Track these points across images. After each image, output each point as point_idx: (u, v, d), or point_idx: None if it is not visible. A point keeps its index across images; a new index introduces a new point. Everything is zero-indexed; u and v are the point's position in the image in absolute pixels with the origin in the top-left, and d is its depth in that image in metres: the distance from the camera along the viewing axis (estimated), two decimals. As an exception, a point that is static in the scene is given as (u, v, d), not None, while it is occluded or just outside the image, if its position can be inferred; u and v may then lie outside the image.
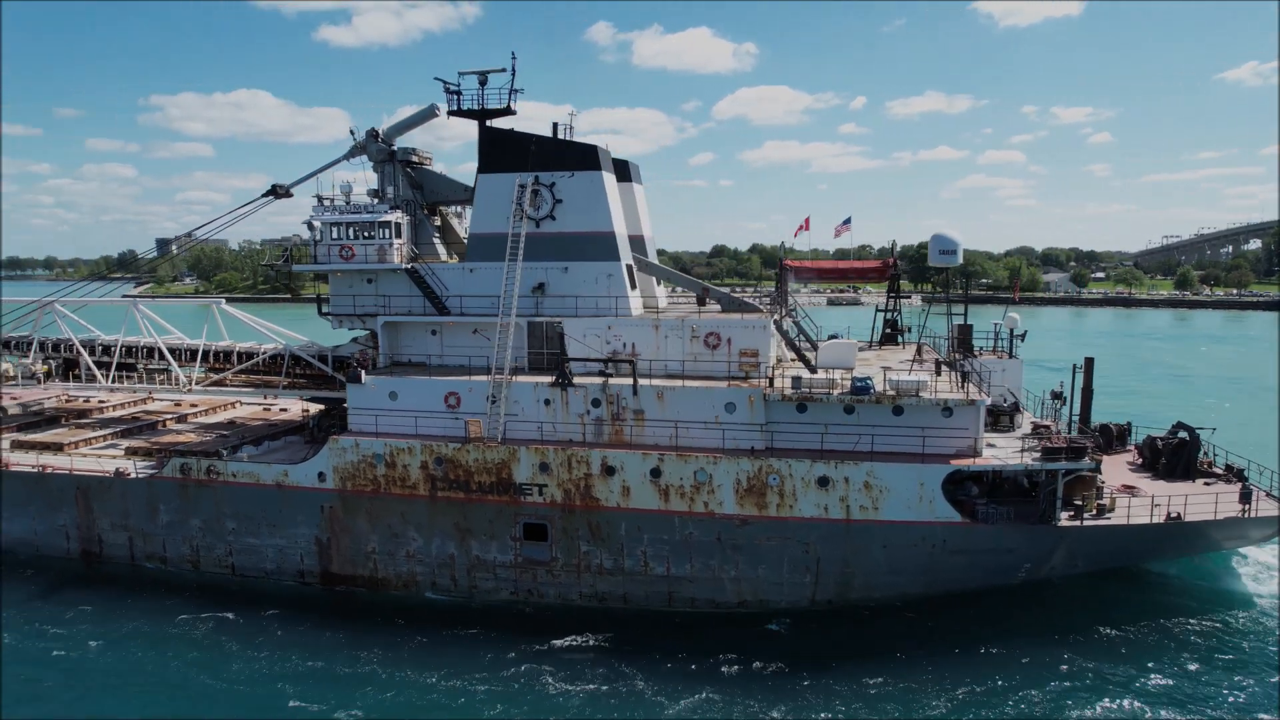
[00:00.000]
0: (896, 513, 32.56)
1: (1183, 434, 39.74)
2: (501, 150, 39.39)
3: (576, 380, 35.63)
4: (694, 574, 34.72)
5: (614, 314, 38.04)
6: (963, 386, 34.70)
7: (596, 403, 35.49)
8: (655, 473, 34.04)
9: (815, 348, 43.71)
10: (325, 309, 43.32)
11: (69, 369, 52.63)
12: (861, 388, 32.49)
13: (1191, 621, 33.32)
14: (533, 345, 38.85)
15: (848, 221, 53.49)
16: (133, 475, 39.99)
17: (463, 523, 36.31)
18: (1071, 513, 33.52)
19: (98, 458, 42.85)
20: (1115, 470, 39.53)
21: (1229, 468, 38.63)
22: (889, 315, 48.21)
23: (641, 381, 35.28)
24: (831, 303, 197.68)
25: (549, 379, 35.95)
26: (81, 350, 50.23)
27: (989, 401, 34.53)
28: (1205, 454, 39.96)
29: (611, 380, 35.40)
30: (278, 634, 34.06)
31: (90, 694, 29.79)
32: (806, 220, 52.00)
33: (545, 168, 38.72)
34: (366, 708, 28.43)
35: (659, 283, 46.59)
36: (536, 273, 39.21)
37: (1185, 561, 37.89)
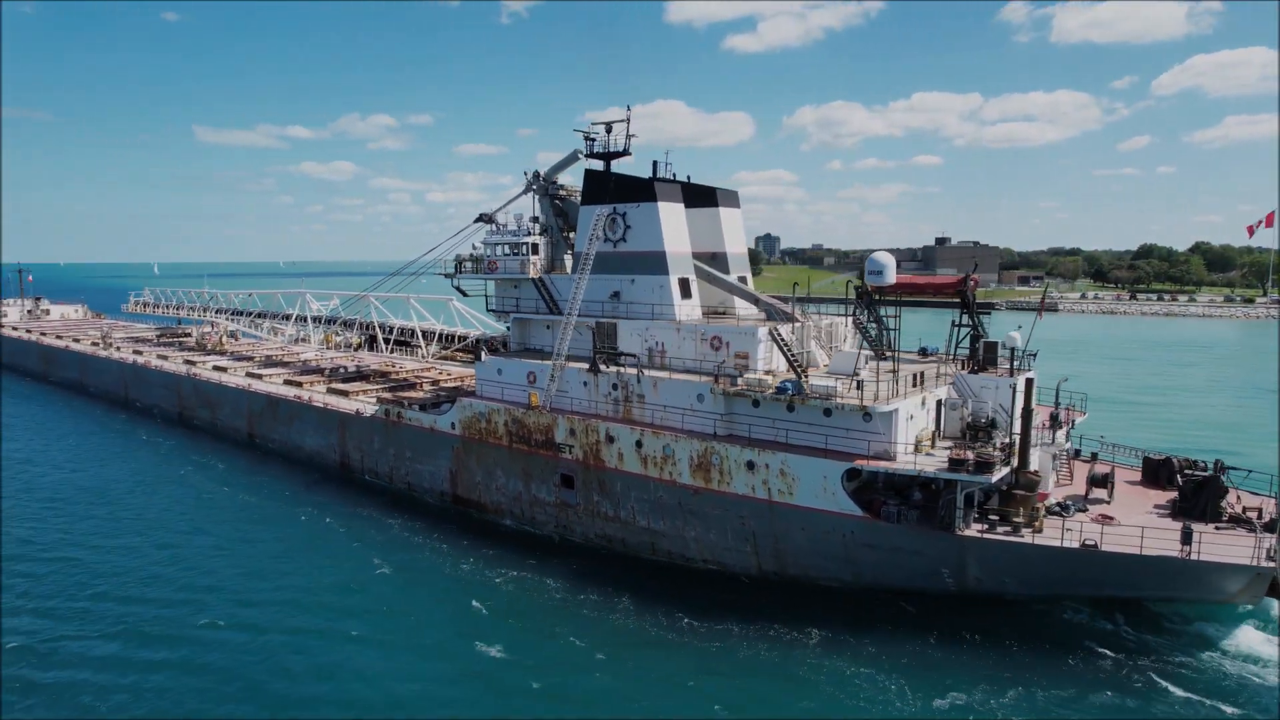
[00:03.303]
0: (807, 500, 38.50)
1: (1205, 473, 37.71)
2: (593, 187, 52.20)
3: (602, 369, 47.18)
4: (666, 530, 44.14)
5: (651, 318, 48.59)
6: (898, 394, 38.71)
7: (615, 386, 46.70)
8: (638, 444, 44.28)
9: (884, 356, 49.28)
10: (490, 306, 60.37)
11: (371, 342, 78.22)
12: (780, 389, 39.07)
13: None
14: (599, 339, 51.08)
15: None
16: (364, 415, 61.27)
17: (526, 468, 50.22)
18: (985, 526, 35.94)
19: (362, 402, 65.31)
20: (1133, 504, 39.02)
21: (1273, 519, 35.95)
22: (971, 330, 50.07)
23: (646, 372, 45.58)
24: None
25: (586, 365, 48.07)
26: (379, 330, 74.82)
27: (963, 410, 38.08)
28: (1236, 498, 37.34)
29: (623, 370, 46.28)
30: (411, 529, 51.40)
31: (305, 539, 50.02)
32: (1270, 215, 49.51)
33: (620, 200, 50.60)
34: (437, 588, 43.67)
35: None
36: (614, 283, 51.37)
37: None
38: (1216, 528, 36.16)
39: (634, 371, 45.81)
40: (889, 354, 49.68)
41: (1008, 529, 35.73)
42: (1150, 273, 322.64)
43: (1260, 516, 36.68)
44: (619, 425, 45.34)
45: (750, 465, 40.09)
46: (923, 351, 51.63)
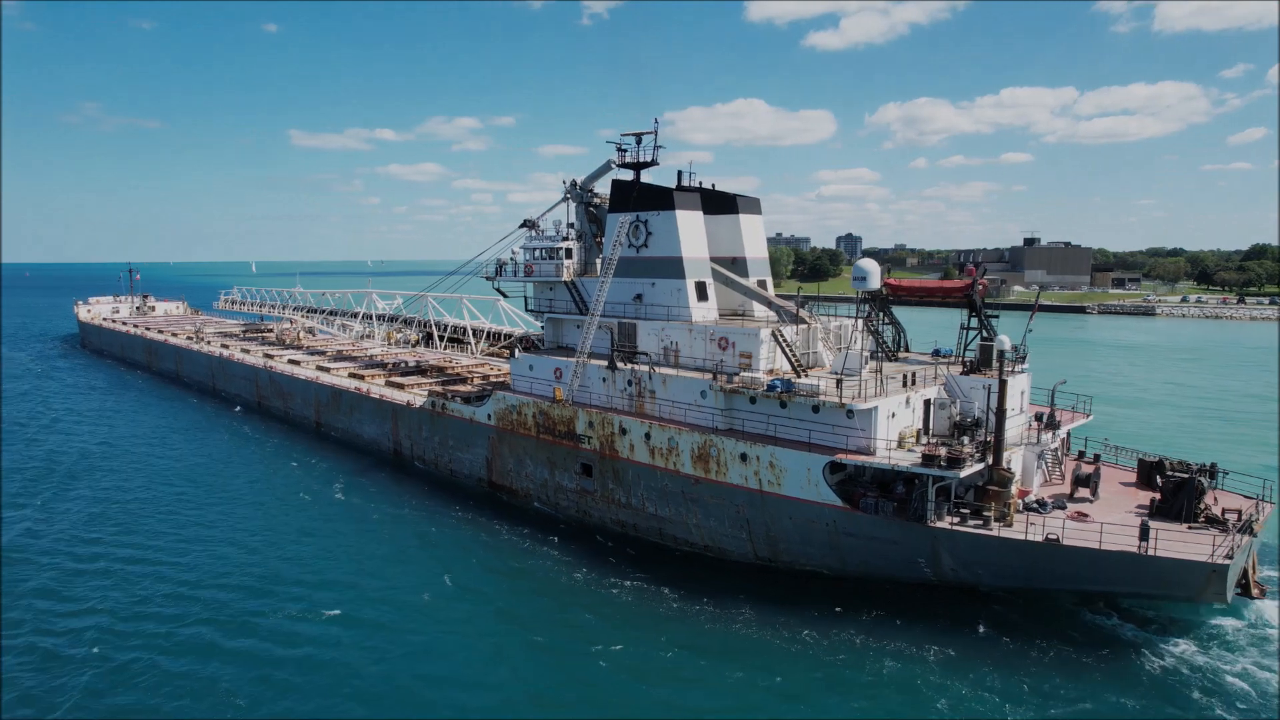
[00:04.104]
0: (793, 490, 41.65)
1: (1182, 475, 39.21)
2: (619, 196, 56.32)
3: (619, 366, 51.27)
4: (671, 516, 47.90)
5: (667, 319, 52.41)
6: (883, 392, 41.44)
7: (630, 382, 50.73)
8: (647, 436, 48.18)
9: (895, 357, 52.16)
10: (528, 306, 65.22)
11: (429, 339, 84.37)
12: (770, 386, 42.34)
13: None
14: (620, 339, 55.17)
15: None
16: (414, 406, 67.04)
17: (551, 457, 54.74)
18: (958, 519, 38.43)
19: (414, 394, 71.19)
20: (1118, 504, 40.75)
21: (1247, 520, 37.38)
22: (978, 334, 52.00)
23: (657, 369, 49.45)
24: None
25: (604, 362, 52.25)
26: (434, 328, 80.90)
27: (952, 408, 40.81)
28: (1214, 499, 38.72)
29: (637, 367, 50.26)
30: (452, 511, 56.65)
31: (352, 510, 55.93)
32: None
33: (642, 208, 54.59)
34: (475, 562, 48.90)
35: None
36: (637, 286, 55.42)
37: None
38: (1190, 527, 37.66)
39: (646, 369, 49.73)
40: (896, 355, 52.45)
41: (978, 522, 38.09)
42: (1263, 274, 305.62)
43: (1240, 518, 37.92)
44: (631, 418, 49.34)
45: (743, 457, 43.49)
46: (936, 353, 53.72)
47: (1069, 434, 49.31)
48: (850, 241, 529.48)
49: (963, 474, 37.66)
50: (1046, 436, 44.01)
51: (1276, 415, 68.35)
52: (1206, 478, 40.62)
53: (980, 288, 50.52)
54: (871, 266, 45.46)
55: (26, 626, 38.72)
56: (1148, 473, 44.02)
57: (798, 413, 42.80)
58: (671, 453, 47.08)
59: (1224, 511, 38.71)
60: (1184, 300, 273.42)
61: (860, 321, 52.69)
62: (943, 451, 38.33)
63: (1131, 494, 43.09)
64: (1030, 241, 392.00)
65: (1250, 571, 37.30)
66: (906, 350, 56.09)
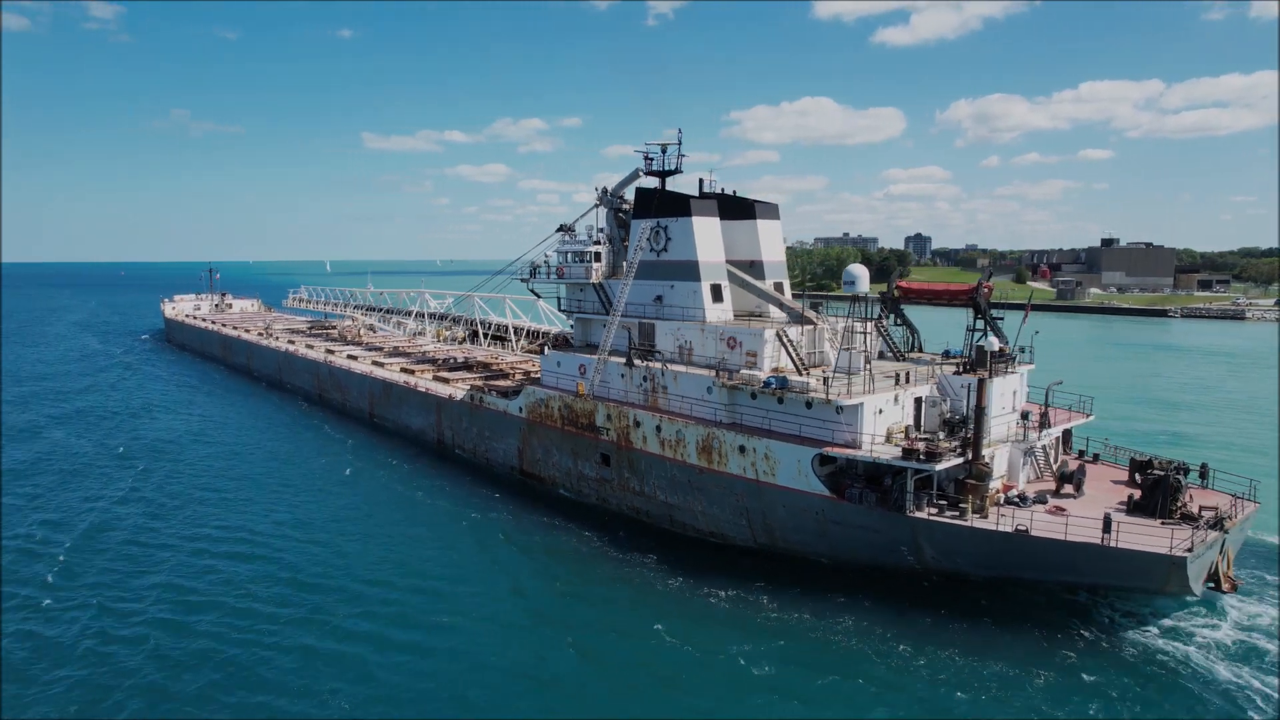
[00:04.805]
0: (786, 480, 44.95)
1: (1159, 472, 41.13)
2: (642, 203, 60.31)
3: (636, 363, 55.27)
4: (680, 504, 51.63)
5: (682, 320, 56.17)
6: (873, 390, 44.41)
7: (645, 378, 54.68)
8: (658, 428, 52.05)
9: (903, 357, 55.10)
10: (560, 307, 69.74)
11: (474, 337, 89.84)
12: (766, 383, 45.70)
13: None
14: (640, 338, 59.16)
15: None
16: (455, 399, 72.31)
17: (575, 447, 59.07)
18: (937, 510, 41.18)
19: (457, 388, 76.52)
20: (1103, 500, 42.86)
21: (1218, 517, 39.22)
22: (983, 336, 54.22)
23: (669, 366, 53.27)
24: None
25: (622, 359, 56.30)
26: (479, 326, 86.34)
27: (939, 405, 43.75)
28: (1190, 497, 40.53)
29: (651, 364, 54.17)
30: (487, 496, 61.61)
31: (402, 496, 61.46)
32: None
33: (662, 214, 58.47)
34: (509, 548, 53.73)
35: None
36: (658, 288, 59.35)
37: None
38: (1163, 523, 39.59)
39: (660, 365, 53.59)
40: (904, 355, 55.16)
41: (955, 513, 40.75)
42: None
43: (1217, 515, 39.61)
44: (645, 412, 53.28)
45: (742, 449, 46.97)
46: (946, 354, 56.15)
47: (1067, 432, 51.17)
48: (919, 242, 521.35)
49: (938, 467, 40.38)
50: (1034, 434, 46.12)
51: (1277, 415, 67.58)
52: (1185, 476, 42.31)
53: (985, 291, 52.81)
54: (860, 272, 48.42)
55: (143, 616, 41.26)
56: (1138, 470, 45.72)
57: (793, 408, 46.04)
58: (679, 444, 50.84)
59: (1200, 509, 40.47)
60: (1279, 303, 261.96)
61: (870, 323, 55.78)
62: (922, 446, 41.11)
63: (1118, 491, 44.92)
64: (1108, 242, 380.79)
65: (1221, 566, 38.94)
66: (919, 351, 58.60)
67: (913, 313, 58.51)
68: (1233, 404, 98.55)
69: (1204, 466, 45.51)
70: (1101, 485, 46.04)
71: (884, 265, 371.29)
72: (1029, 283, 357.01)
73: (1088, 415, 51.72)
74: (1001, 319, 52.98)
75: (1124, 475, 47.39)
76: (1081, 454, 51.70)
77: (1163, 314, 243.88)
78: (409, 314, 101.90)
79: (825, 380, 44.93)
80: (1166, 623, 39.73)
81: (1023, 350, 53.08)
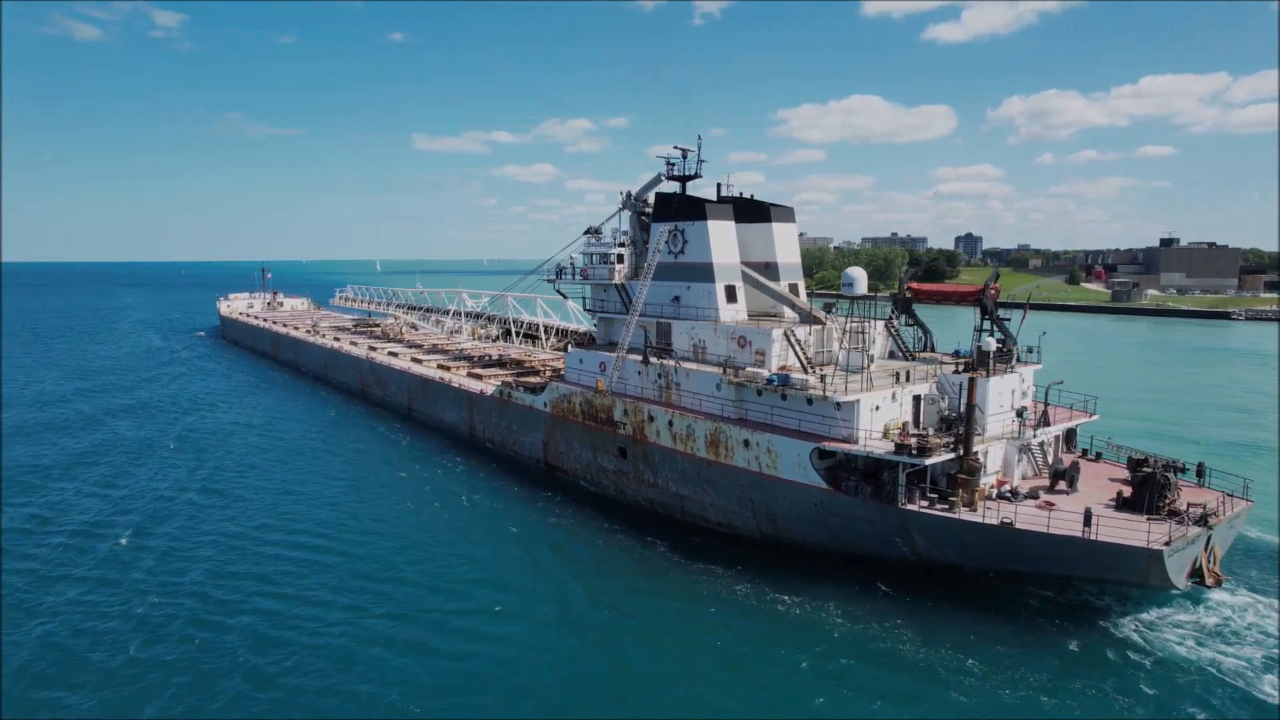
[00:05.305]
0: (787, 473, 47.38)
1: (1148, 470, 42.63)
2: (661, 207, 63.19)
3: (651, 360, 58.16)
4: (690, 495, 54.35)
5: (696, 319, 58.89)
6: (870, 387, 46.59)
7: (660, 375, 57.53)
8: (670, 423, 54.85)
9: (913, 356, 57.20)
10: (585, 306, 72.96)
11: (507, 335, 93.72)
12: (768, 381, 48.18)
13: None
14: (657, 337, 62.00)
15: None
16: (486, 395, 76.04)
17: (594, 441, 62.19)
18: (927, 502, 43.24)
19: (488, 384, 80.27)
20: (1096, 497, 44.47)
21: (1203, 513, 40.65)
22: (989, 336, 55.84)
23: (682, 364, 56.06)
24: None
25: (639, 357, 59.22)
26: (512, 325, 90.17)
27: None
28: (1177, 495, 41.93)
29: (665, 361, 57.00)
30: (514, 487, 65.17)
31: (431, 479, 65.38)
32: None
33: (680, 218, 61.27)
34: (541, 536, 57.24)
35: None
36: (676, 289, 62.18)
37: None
38: (1149, 518, 41.07)
39: (673, 363, 56.40)
40: (914, 355, 57.14)
41: (944, 506, 42.77)
42: None
43: (1202, 511, 40.97)
44: (658, 407, 56.14)
45: (746, 443, 49.52)
46: (957, 354, 57.89)
47: (1071, 431, 52.57)
48: (970, 242, 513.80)
49: (928, 461, 42.43)
50: (1029, 432, 47.73)
51: (1277, 416, 67.30)
52: (1178, 474, 43.66)
53: (992, 292, 54.50)
54: (858, 274, 50.58)
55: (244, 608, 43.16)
56: (1135, 468, 47.06)
57: (795, 404, 48.44)
58: (689, 438, 53.57)
59: (1189, 506, 41.83)
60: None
61: (880, 323, 57.89)
62: (913, 441, 43.21)
63: (1114, 489, 46.32)
64: (1168, 242, 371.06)
65: (1205, 561, 40.27)
66: (931, 350, 60.41)
67: (934, 313, 60.22)
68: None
69: (1200, 465, 46.69)
70: (1099, 483, 47.49)
71: (932, 266, 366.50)
72: (1083, 284, 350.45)
73: (1091, 415, 53.02)
74: (1008, 319, 54.57)
75: (1124, 473, 48.71)
76: (1085, 452, 53.03)
77: (1225, 316, 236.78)
78: (447, 313, 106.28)
79: (822, 378, 47.23)
80: (1166, 620, 40.72)
81: (1030, 350, 54.66)
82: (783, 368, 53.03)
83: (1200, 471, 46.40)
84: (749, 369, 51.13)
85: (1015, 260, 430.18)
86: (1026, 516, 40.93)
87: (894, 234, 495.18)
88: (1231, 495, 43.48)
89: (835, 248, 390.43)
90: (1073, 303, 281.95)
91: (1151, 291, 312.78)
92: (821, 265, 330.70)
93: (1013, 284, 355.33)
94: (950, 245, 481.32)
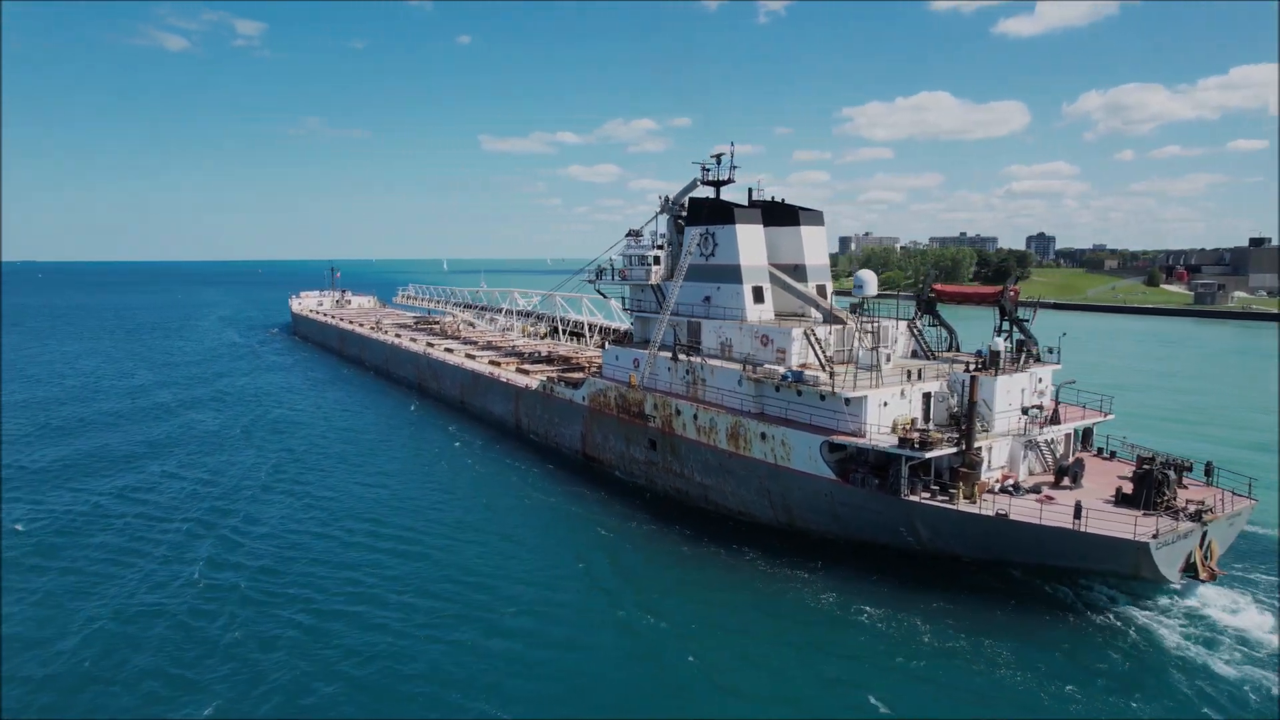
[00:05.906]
0: (799, 465, 50.40)
1: (1146, 467, 44.38)
2: (694, 211, 66.73)
3: (680, 357, 61.74)
4: (713, 485, 57.74)
5: (724, 319, 62.24)
6: (878, 384, 49.27)
7: (688, 371, 61.07)
8: (695, 416, 58.34)
9: (934, 356, 59.65)
10: (624, 306, 76.90)
11: (555, 333, 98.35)
12: (783, 377, 51.27)
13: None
14: (688, 335, 65.50)
15: None
16: (530, 389, 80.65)
17: (627, 433, 66.07)
18: (929, 494, 45.77)
19: (534, 379, 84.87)
20: (1100, 493, 46.27)
21: (1198, 510, 42.32)
22: (1008, 335, 57.64)
23: (707, 360, 59.50)
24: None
25: (669, 354, 62.85)
26: (559, 324, 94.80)
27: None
28: (1175, 492, 43.56)
29: (692, 358, 60.51)
30: (555, 474, 69.53)
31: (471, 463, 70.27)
32: None
33: (711, 222, 64.71)
34: (561, 517, 61.64)
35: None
36: (706, 289, 65.68)
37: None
38: (1145, 513, 42.85)
39: (700, 360, 59.88)
40: (935, 355, 59.47)
41: (945, 498, 45.25)
42: None
43: (1198, 508, 42.54)
44: (685, 401, 59.69)
45: (763, 436, 52.70)
46: (978, 354, 59.84)
47: (1083, 429, 54.15)
48: (1042, 242, 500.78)
49: (929, 455, 44.98)
50: (1035, 429, 49.65)
51: (1277, 418, 66.08)
52: (1181, 472, 45.18)
53: (1012, 294, 56.44)
54: (868, 276, 53.25)
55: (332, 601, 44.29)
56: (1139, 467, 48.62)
57: (809, 400, 51.41)
58: (712, 431, 56.97)
59: (1186, 502, 43.41)
60: None
61: (904, 323, 60.37)
62: (916, 435, 45.79)
63: (1120, 485, 47.97)
64: (1258, 241, 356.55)
65: (1200, 556, 41.80)
66: (956, 350, 62.45)
67: (965, 315, 61.72)
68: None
69: (1209, 464, 48.00)
70: (1106, 480, 49.15)
71: (1002, 267, 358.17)
72: (1163, 285, 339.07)
73: (1106, 414, 54.47)
74: (1028, 320, 56.35)
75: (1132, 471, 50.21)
76: (1100, 451, 54.54)
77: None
78: (500, 311, 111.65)
79: (831, 374, 50.09)
80: (1169, 617, 41.57)
81: (1050, 350, 56.33)
82: (803, 365, 55.93)
83: (1209, 470, 47.71)
84: (766, 365, 54.24)
85: (1090, 261, 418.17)
86: (1022, 509, 43.15)
87: (962, 233, 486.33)
88: (1235, 493, 44.78)
89: (901, 247, 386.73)
90: (1150, 305, 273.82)
91: (1239, 294, 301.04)
92: (887, 265, 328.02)
93: (1087, 285, 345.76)
94: (1021, 245, 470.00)
